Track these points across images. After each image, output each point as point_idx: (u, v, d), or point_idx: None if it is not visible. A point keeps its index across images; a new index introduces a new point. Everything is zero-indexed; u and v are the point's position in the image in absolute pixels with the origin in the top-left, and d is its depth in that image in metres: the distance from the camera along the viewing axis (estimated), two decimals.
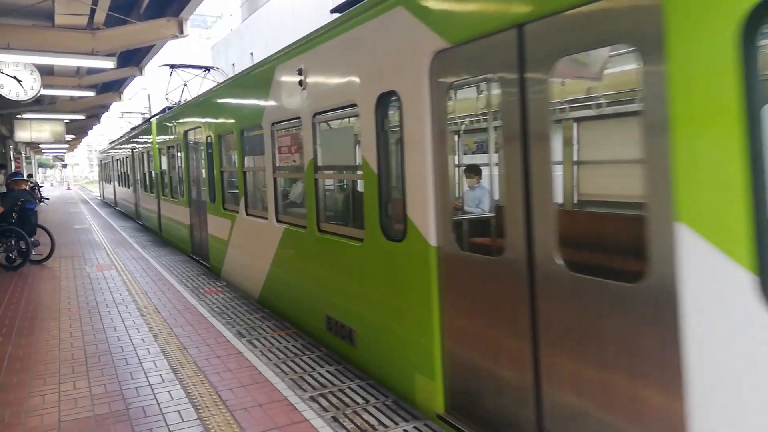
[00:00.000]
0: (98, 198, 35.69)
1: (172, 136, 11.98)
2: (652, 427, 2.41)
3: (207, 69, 15.11)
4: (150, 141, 14.69)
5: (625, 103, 5.54)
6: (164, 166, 13.37)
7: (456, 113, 7.15)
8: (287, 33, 23.48)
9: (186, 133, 10.63)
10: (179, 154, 11.44)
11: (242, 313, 6.73)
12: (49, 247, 10.65)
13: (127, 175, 20.82)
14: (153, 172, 14.65)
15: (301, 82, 5.40)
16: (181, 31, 10.43)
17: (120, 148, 22.86)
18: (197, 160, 10.30)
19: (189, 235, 11.22)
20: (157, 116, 14.17)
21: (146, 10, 10.47)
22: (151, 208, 15.57)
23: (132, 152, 18.73)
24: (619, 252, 4.60)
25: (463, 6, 3.31)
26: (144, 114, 36.50)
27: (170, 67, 14.30)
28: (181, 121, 11.05)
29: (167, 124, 12.46)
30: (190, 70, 14.80)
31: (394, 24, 3.94)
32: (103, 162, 34.77)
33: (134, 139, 18.24)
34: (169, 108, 13.66)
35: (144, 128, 16.24)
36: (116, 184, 26.06)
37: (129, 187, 20.69)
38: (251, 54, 29.57)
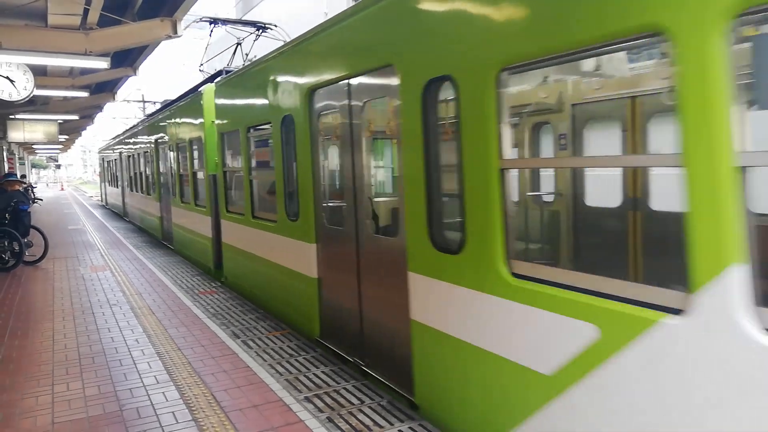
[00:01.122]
0: (98, 201, 33.57)
1: (262, 106, 6.49)
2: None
3: (262, 27, 11.74)
4: (197, 123, 9.60)
5: None
6: (232, 163, 8.19)
7: None
8: (281, 33, 23.44)
9: (312, 92, 5.30)
10: (284, 139, 5.99)
11: (237, 314, 6.72)
12: (43, 248, 10.61)
13: (146, 177, 14.96)
14: (205, 173, 9.36)
15: None
16: (175, 32, 10.38)
17: (133, 141, 17.01)
18: (353, 146, 4.76)
19: (316, 300, 5.56)
20: (216, 80, 8.76)
21: (140, 11, 10.42)
22: (198, 230, 10.05)
23: (156, 144, 13.32)
24: None
25: None
26: (154, 102, 31.12)
27: (210, 22, 10.84)
28: (298, 69, 5.55)
29: (245, 86, 7.10)
30: (239, 27, 11.59)
31: None
32: (105, 160, 26.53)
33: (160, 125, 12.73)
34: (227, 72, 9.17)
35: (184, 105, 10.66)
36: (126, 187, 19.42)
37: (150, 194, 14.70)
38: (245, 54, 29.51)
